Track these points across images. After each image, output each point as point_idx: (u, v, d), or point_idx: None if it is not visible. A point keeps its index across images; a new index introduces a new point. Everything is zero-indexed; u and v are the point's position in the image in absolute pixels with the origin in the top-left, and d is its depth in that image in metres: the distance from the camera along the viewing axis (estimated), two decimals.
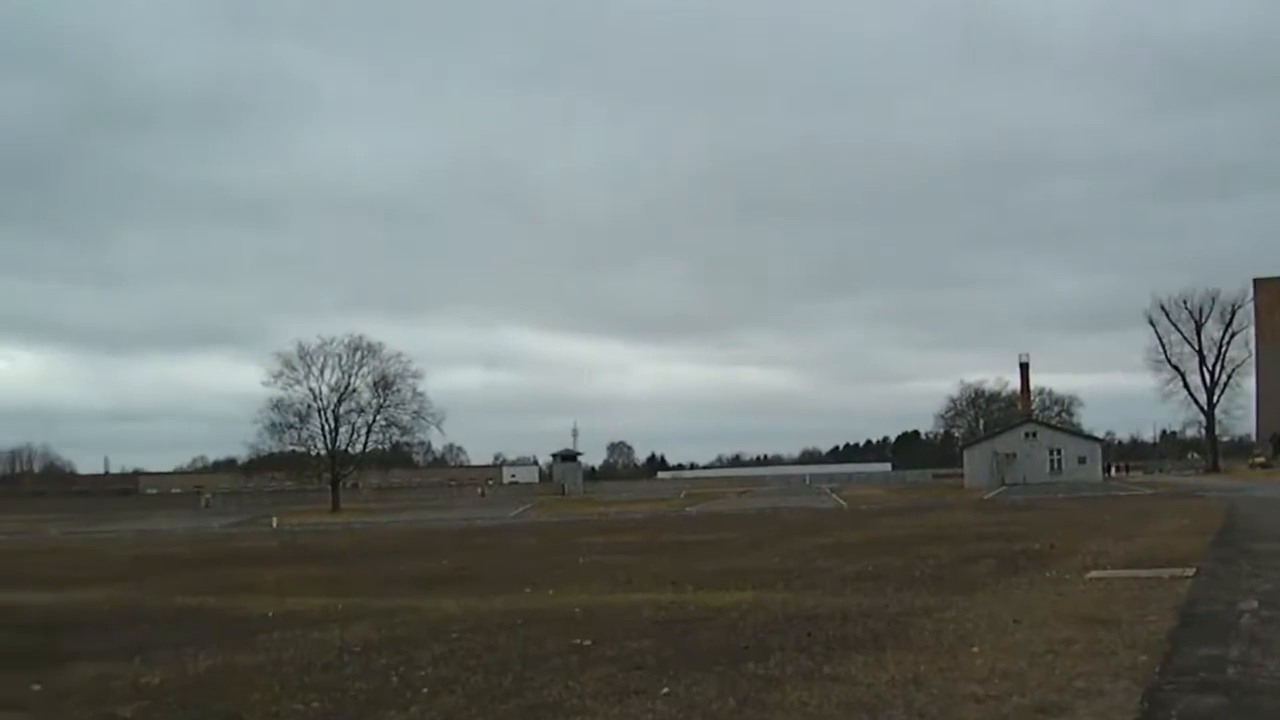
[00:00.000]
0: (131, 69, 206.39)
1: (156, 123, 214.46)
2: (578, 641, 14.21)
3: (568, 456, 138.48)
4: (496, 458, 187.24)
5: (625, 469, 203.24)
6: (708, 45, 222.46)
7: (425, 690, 11.54)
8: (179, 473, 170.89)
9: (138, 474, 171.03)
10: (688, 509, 75.35)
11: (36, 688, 12.64)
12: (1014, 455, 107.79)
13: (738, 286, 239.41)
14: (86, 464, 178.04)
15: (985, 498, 75.58)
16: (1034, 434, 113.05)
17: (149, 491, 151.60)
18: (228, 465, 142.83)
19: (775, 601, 18.02)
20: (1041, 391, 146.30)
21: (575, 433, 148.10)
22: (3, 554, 44.48)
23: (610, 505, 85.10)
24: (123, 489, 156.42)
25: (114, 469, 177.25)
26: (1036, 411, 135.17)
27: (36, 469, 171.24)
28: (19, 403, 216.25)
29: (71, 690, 12.43)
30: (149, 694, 12.04)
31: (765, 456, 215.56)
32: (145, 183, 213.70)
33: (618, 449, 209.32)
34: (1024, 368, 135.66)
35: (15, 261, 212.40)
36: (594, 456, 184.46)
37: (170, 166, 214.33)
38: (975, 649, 12.49)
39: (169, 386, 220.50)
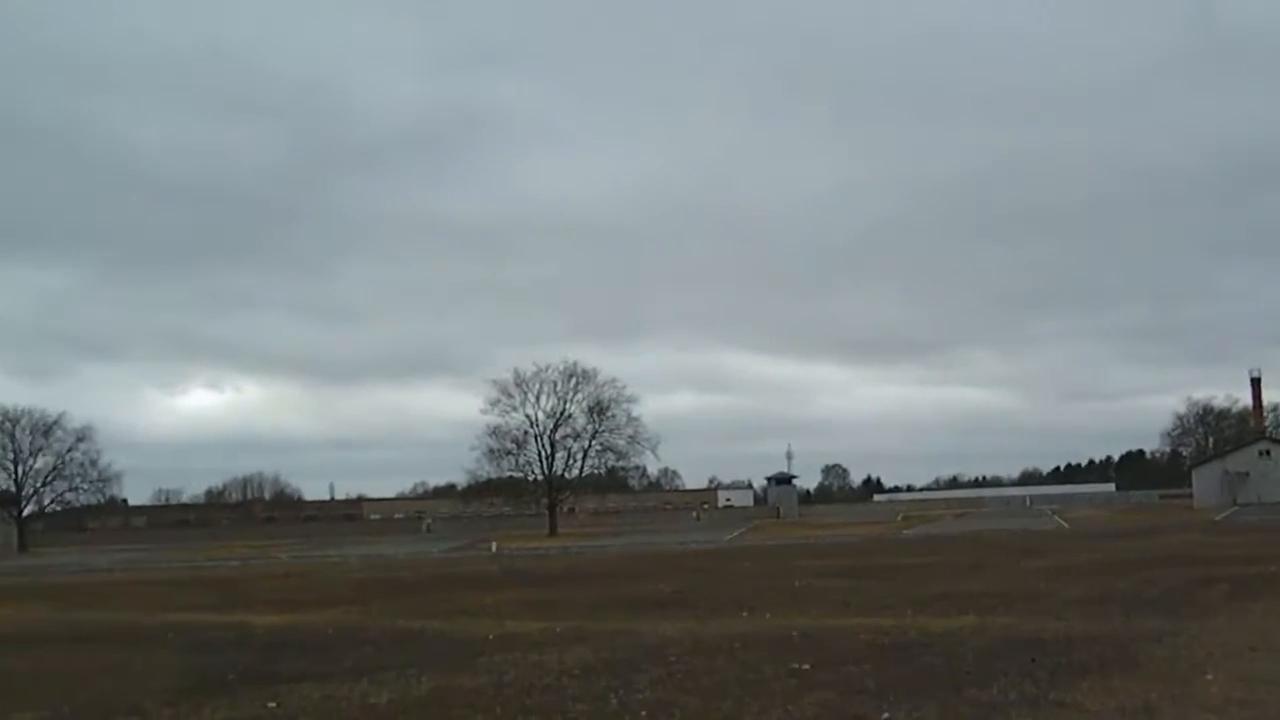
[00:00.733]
0: (353, 110, 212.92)
1: (377, 160, 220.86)
2: (796, 665, 14.13)
3: (782, 480, 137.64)
4: (711, 481, 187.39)
5: (841, 492, 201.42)
6: (925, 60, 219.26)
7: (644, 713, 11.60)
8: (401, 498, 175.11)
9: (361, 500, 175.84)
10: (905, 532, 74.37)
11: (272, 705, 13.10)
12: (1247, 474, 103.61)
13: (953, 304, 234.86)
14: (313, 490, 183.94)
15: (1216, 519, 72.85)
16: (1268, 452, 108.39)
17: (372, 517, 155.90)
18: (448, 491, 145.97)
19: (997, 626, 17.66)
20: (1276, 408, 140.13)
21: (790, 455, 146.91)
22: (238, 578, 46.24)
23: (826, 528, 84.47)
24: (348, 514, 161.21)
25: (339, 495, 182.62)
26: (1270, 428, 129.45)
27: (267, 495, 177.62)
28: (250, 432, 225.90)
29: (303, 709, 12.84)
30: (376, 714, 12.38)
31: (984, 478, 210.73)
32: (367, 218, 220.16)
33: (833, 471, 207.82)
34: (1256, 383, 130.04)
35: (244, 296, 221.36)
36: (809, 479, 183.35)
37: (390, 201, 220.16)
38: (1209, 676, 12.03)
39: (390, 415, 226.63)
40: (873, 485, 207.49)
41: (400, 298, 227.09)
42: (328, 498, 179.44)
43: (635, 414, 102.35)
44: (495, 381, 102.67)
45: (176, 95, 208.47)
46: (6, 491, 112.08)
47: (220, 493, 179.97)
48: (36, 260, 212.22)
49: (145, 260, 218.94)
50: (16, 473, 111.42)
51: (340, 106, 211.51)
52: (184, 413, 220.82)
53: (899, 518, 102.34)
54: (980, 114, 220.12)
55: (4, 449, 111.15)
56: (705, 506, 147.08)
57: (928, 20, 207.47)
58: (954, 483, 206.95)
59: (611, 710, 11.91)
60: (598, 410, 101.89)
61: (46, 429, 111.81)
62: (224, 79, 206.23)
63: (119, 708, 13.39)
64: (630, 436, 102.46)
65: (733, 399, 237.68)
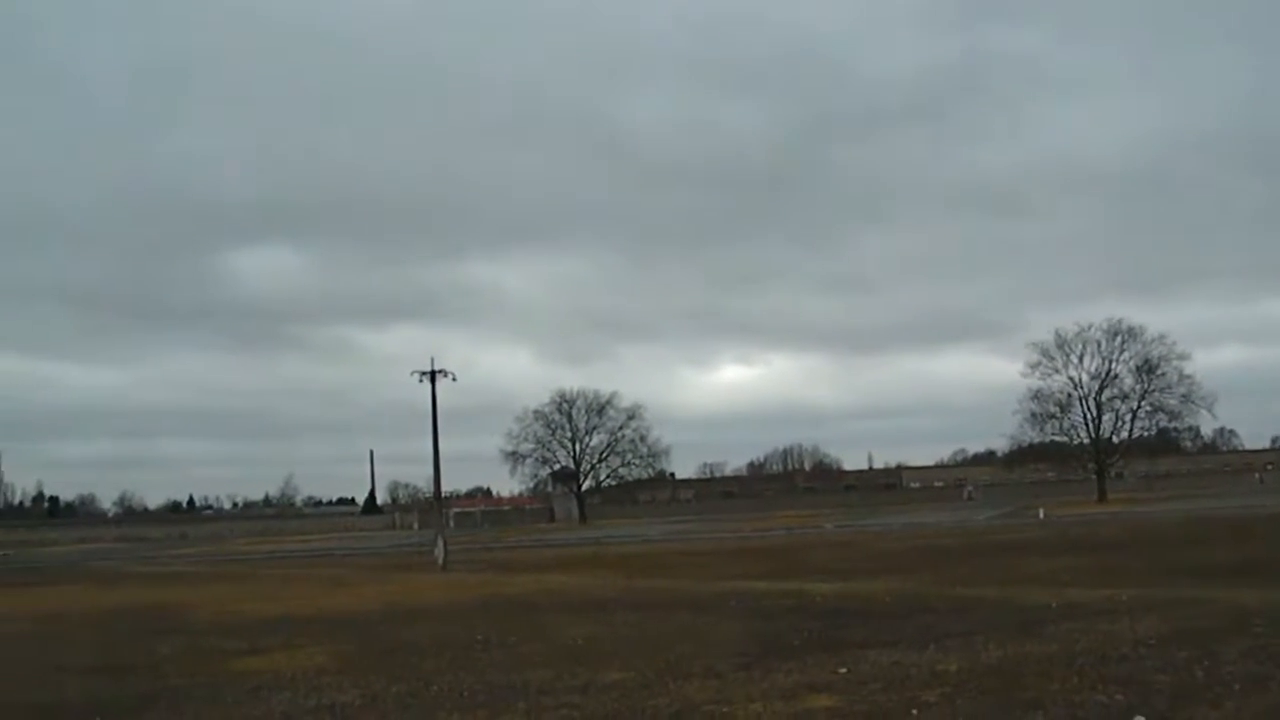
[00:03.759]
0: (855, 76, 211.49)
1: (883, 123, 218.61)
2: None
3: None
4: (1274, 441, 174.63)
5: None
6: None
7: (1237, 686, 10.91)
8: (939, 466, 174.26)
9: (900, 468, 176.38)
10: None
11: (842, 671, 13.23)
12: None
13: None
14: (851, 460, 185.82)
15: None
16: None
17: (911, 485, 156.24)
18: (987, 457, 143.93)
19: None
20: None
21: None
22: (786, 547, 47.30)
23: None
24: (887, 483, 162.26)
25: (877, 464, 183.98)
26: None
27: (807, 466, 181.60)
28: (783, 404, 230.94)
29: (872, 675, 12.90)
30: (947, 680, 12.26)
31: None
32: (880, 183, 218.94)
33: None
34: None
35: (762, 271, 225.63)
36: None
37: (902, 164, 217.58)
38: None
39: (922, 382, 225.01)
40: None
41: (920, 263, 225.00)
42: (866, 467, 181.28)
43: (1187, 372, 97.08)
44: (1035, 344, 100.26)
45: (682, 76, 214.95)
46: (566, 468, 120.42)
47: (761, 465, 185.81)
48: (568, 251, 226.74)
49: (664, 242, 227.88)
50: (575, 450, 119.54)
51: (842, 73, 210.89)
52: (718, 388, 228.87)
53: None
54: None
55: (563, 428, 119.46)
56: (1269, 468, 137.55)
57: None
58: None
59: (1199, 683, 11.26)
60: (1146, 369, 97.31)
61: (600, 408, 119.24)
62: (725, 55, 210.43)
63: (696, 670, 13.92)
64: (1183, 395, 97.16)
65: None
